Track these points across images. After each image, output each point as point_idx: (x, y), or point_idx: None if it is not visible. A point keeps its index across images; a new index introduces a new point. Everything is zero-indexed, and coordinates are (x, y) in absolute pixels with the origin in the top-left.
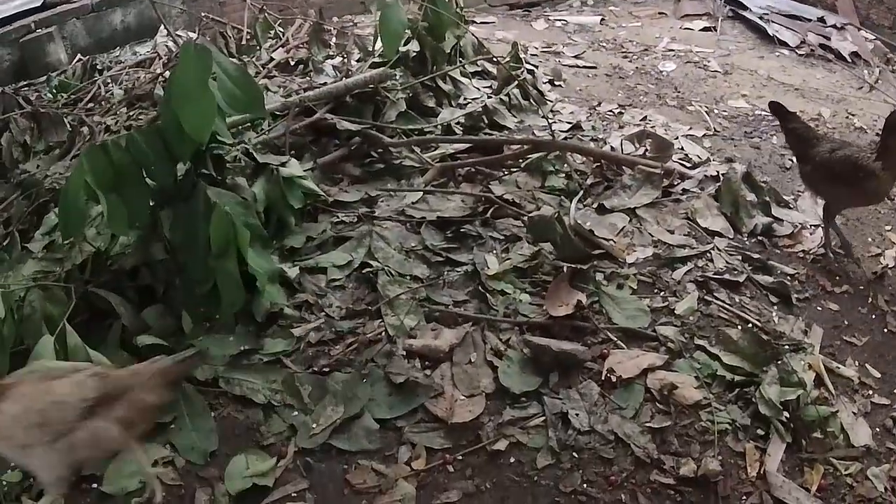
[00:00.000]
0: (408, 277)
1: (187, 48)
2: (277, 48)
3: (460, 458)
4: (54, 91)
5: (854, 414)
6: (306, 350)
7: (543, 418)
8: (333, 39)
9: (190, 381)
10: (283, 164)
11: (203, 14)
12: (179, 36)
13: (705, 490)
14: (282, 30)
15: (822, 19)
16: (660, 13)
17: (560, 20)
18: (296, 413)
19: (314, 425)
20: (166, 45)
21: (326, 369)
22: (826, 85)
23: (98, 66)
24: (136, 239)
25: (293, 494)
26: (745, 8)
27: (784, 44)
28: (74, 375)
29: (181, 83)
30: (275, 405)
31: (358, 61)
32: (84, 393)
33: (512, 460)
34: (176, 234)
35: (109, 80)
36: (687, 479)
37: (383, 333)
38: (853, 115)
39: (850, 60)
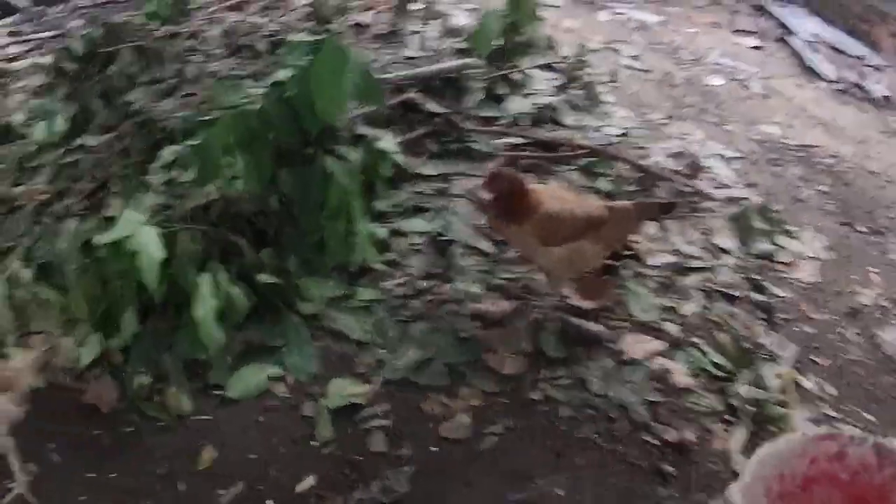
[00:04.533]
0: (475, 250)
1: (329, 43)
2: (364, 10)
3: (506, 401)
4: (147, 17)
5: (807, 419)
6: (392, 300)
7: (570, 380)
8: (419, 10)
9: (296, 313)
10: (376, 138)
11: None
12: None
13: (682, 452)
14: None
15: (860, 57)
16: (715, 23)
17: (623, 13)
18: (383, 350)
19: (397, 362)
20: None
21: (407, 319)
22: (853, 124)
23: None
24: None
25: (379, 413)
26: (792, 33)
27: (821, 77)
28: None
29: (320, 72)
30: (365, 343)
31: (438, 34)
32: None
33: (543, 408)
34: (294, 192)
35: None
36: (670, 443)
37: (452, 295)
38: (870, 157)
39: (881, 103)
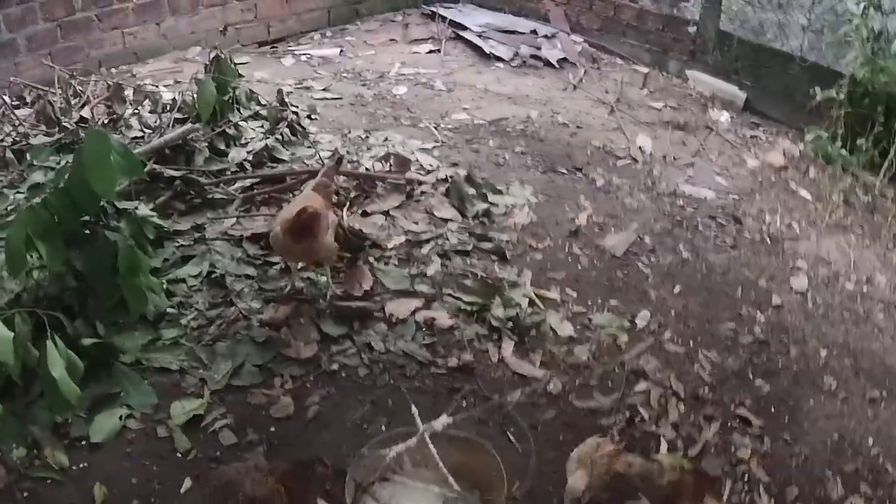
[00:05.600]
0: (243, 276)
1: (92, 132)
2: (83, 107)
3: (312, 378)
4: None
5: (560, 319)
6: (192, 333)
7: (357, 348)
8: (130, 95)
9: (121, 363)
10: (136, 208)
11: (13, 79)
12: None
13: (466, 372)
14: (80, 88)
15: (534, 31)
16: (391, 40)
17: (305, 55)
18: (201, 371)
19: (216, 376)
20: None
21: (210, 342)
22: (535, 90)
23: None
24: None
25: (218, 416)
26: (464, 28)
27: (499, 58)
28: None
29: (89, 158)
30: (185, 369)
31: (151, 112)
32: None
33: (344, 374)
34: (87, 266)
35: None
36: (453, 367)
37: (240, 314)
38: (557, 113)
39: (557, 66)
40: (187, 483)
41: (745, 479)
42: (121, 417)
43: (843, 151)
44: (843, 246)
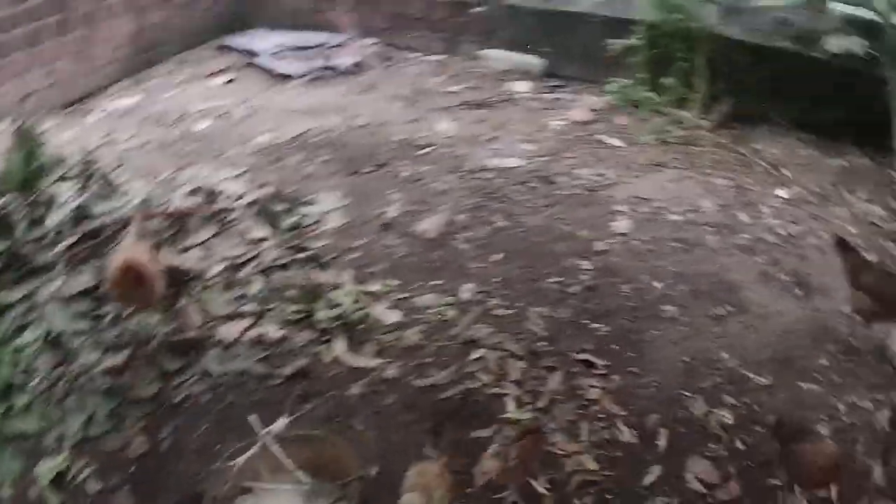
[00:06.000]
0: (79, 332)
1: None
2: None
3: (163, 412)
4: None
5: (385, 308)
6: (41, 396)
7: (198, 375)
8: None
9: None
10: None
11: None
12: None
13: (303, 377)
14: None
15: (324, 43)
16: (190, 77)
17: (107, 109)
18: (57, 429)
19: (71, 429)
20: None
21: (59, 400)
22: (333, 99)
23: None
24: None
25: (82, 465)
26: (255, 55)
27: (291, 76)
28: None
29: None
30: (42, 431)
31: None
32: None
33: (190, 402)
34: None
35: None
36: (291, 375)
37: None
38: (356, 116)
39: (352, 72)
40: None
41: (601, 417)
42: None
43: (650, 94)
44: (662, 182)
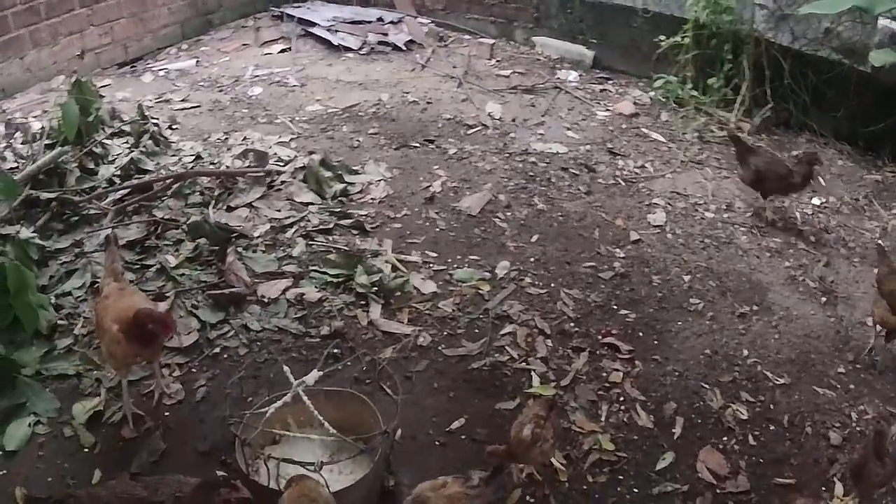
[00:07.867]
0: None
1: None
2: None
3: (198, 363)
4: None
5: (422, 278)
6: (82, 340)
7: (235, 330)
8: (2, 130)
9: (23, 377)
10: (18, 232)
11: None
12: None
13: (339, 336)
14: None
15: (380, 19)
16: (244, 45)
17: (163, 69)
18: (95, 372)
19: (110, 374)
20: None
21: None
22: (385, 74)
23: None
24: None
25: (116, 410)
26: (313, 25)
27: (348, 49)
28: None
29: None
30: (81, 373)
31: (23, 143)
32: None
33: (226, 355)
34: None
35: None
36: (326, 335)
37: None
38: (407, 92)
39: (405, 49)
40: (97, 475)
41: (621, 400)
42: (30, 425)
43: (695, 92)
44: (700, 179)
